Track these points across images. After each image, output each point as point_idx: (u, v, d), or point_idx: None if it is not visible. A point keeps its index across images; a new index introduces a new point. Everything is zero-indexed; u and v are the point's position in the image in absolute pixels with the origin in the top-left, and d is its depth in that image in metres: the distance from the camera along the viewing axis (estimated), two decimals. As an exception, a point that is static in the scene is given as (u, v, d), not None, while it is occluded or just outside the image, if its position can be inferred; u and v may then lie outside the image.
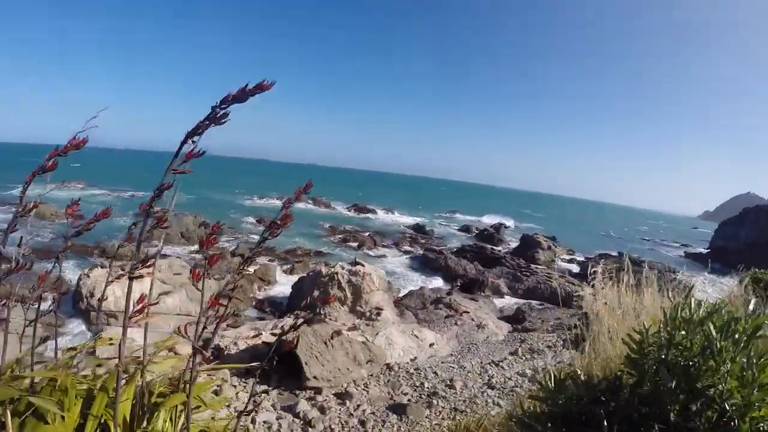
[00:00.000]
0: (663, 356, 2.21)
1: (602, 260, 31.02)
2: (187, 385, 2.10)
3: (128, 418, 2.38)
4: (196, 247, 34.11)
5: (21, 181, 2.36)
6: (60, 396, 2.54)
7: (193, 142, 1.73)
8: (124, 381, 2.71)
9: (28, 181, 1.82)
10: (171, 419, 2.51)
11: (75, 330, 18.65)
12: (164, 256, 26.56)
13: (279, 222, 1.86)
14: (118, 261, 25.98)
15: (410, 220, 63.15)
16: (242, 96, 1.67)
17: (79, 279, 20.82)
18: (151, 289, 2.41)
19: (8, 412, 2.29)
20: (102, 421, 2.41)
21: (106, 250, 29.86)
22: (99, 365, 3.54)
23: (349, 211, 67.61)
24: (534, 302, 25.89)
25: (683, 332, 2.21)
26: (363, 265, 22.39)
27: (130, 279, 1.94)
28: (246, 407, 2.65)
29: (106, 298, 18.26)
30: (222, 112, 1.66)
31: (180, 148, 1.67)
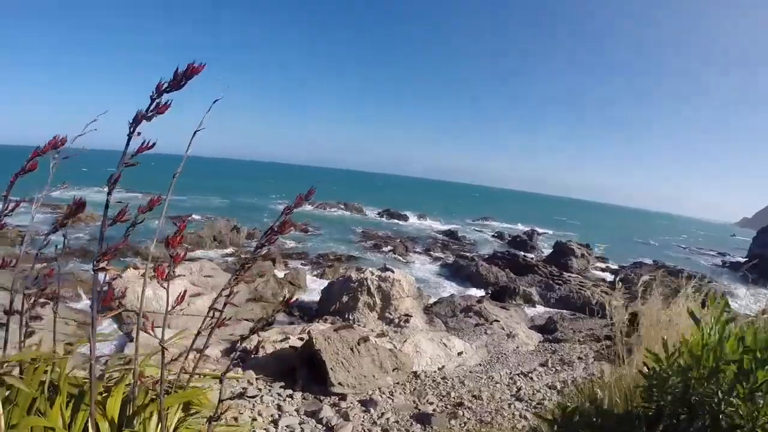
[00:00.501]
0: (683, 388, 2.00)
1: (637, 268, 30.25)
2: (179, 388, 2.00)
3: (116, 418, 2.27)
4: (228, 250, 34.46)
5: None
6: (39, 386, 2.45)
7: (138, 133, 1.62)
8: (114, 380, 2.63)
9: (11, 183, 1.74)
10: (164, 421, 2.39)
11: (106, 329, 18.91)
12: (196, 259, 26.88)
13: (276, 229, 1.73)
14: (149, 262, 26.36)
15: (442, 226, 62.78)
16: (176, 83, 1.56)
17: (112, 279, 21.13)
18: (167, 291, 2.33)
19: (-1, 400, 2.21)
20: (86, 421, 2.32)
21: (140, 251, 30.35)
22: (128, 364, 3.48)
23: (381, 216, 67.50)
24: (566, 312, 25.33)
25: (707, 361, 1.99)
26: (393, 271, 22.23)
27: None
28: (215, 413, 2.54)
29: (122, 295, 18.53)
30: (160, 101, 1.55)
31: (128, 141, 1.57)
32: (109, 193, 1.77)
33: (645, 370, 2.23)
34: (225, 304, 2.27)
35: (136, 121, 1.52)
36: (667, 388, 2.07)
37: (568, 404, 2.37)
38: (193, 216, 48.01)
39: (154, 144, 1.69)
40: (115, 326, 19.11)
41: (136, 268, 22.19)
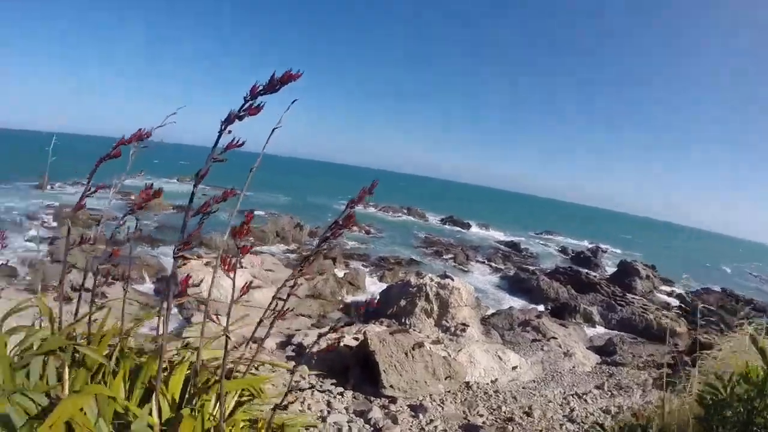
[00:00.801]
0: (746, 417, 1.89)
1: (704, 294, 28.82)
2: (239, 374, 2.05)
3: (176, 396, 2.36)
4: (290, 247, 35.09)
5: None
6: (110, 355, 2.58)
7: (229, 131, 1.68)
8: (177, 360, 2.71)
9: (95, 167, 1.83)
10: (222, 405, 2.48)
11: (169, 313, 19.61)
12: (258, 253, 27.53)
13: (341, 223, 1.75)
14: (214, 252, 27.10)
15: (505, 236, 61.87)
16: (271, 87, 1.60)
17: (176, 266, 21.90)
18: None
19: (66, 363, 2.32)
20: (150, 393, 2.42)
21: (204, 242, 31.36)
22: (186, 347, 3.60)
23: (444, 223, 67.20)
24: (626, 335, 24.44)
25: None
26: (452, 279, 22.09)
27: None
28: (281, 402, 2.58)
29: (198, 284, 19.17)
30: (253, 102, 1.60)
31: (218, 138, 1.63)
32: (195, 185, 1.85)
33: (704, 399, 2.13)
34: (288, 296, 2.31)
35: (228, 120, 1.57)
36: (727, 418, 1.97)
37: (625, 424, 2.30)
38: (258, 212, 49.24)
39: (243, 142, 1.76)
40: (176, 310, 19.78)
41: (200, 257, 22.93)
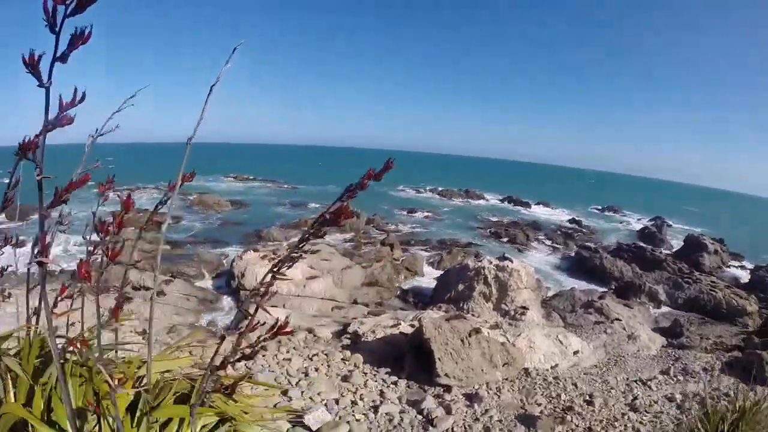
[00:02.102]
0: None
1: None
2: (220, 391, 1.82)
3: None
4: (347, 235, 35.25)
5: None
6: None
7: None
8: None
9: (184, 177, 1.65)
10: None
11: (226, 306, 20.09)
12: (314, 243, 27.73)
13: (329, 217, 1.49)
14: (271, 245, 27.53)
15: (565, 214, 60.37)
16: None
17: (233, 261, 22.47)
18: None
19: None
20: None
21: (261, 234, 31.91)
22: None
23: (503, 203, 66.25)
24: (694, 315, 23.31)
25: None
26: (511, 261, 21.67)
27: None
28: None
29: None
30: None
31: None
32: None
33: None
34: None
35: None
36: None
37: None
38: (313, 204, 49.87)
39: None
40: (232, 305, 20.24)
41: (255, 250, 23.33)
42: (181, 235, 31.75)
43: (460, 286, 21.57)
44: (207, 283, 23.10)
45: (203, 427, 1.71)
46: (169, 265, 23.59)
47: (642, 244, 38.83)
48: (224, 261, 25.73)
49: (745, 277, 33.70)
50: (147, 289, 18.64)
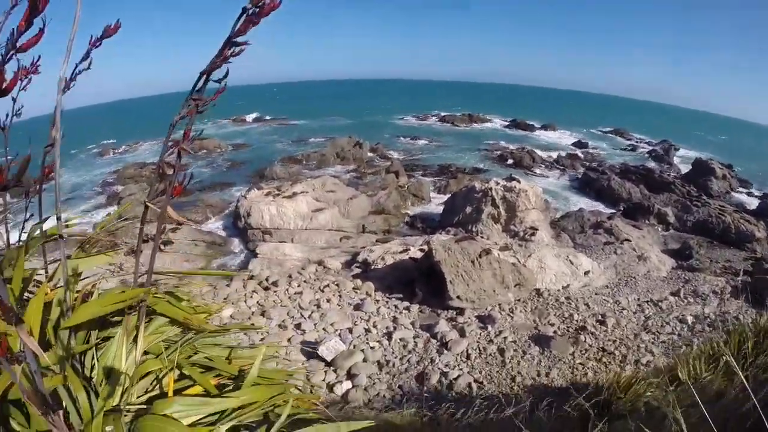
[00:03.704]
0: None
1: None
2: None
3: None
4: (351, 166, 34.90)
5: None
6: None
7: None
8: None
9: (172, 125, 1.35)
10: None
11: (236, 249, 20.00)
12: (318, 175, 27.47)
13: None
14: (275, 182, 27.30)
15: (571, 137, 59.43)
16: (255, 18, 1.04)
17: (238, 201, 22.24)
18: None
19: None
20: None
21: (264, 173, 31.65)
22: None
23: (509, 127, 65.16)
24: (702, 238, 23.07)
25: None
26: (519, 181, 21.34)
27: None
28: None
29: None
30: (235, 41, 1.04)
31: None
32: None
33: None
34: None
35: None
36: None
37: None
38: (317, 138, 49.36)
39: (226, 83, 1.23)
40: (241, 245, 20.14)
41: (260, 188, 23.04)
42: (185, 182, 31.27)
43: (468, 209, 21.36)
44: (214, 225, 22.96)
45: (155, 332, 1.45)
46: (176, 212, 23.29)
47: (650, 166, 38.25)
48: (230, 203, 25.54)
49: (753, 203, 33.06)
50: (151, 239, 18.40)
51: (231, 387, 1.41)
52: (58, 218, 1.36)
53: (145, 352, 1.40)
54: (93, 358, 1.29)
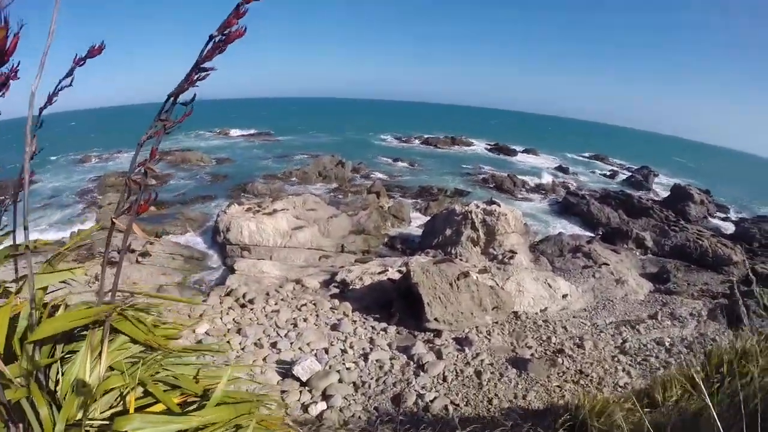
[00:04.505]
0: None
1: (762, 222, 27.15)
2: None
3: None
4: (333, 185, 34.96)
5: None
6: None
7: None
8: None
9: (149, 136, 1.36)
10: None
11: (214, 264, 19.85)
12: (300, 193, 27.43)
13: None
14: (256, 198, 27.19)
15: (553, 161, 60.14)
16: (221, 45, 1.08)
17: (217, 216, 22.12)
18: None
19: None
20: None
21: (246, 189, 31.59)
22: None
23: (490, 150, 65.73)
24: (680, 262, 23.39)
25: None
26: (499, 205, 21.49)
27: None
28: None
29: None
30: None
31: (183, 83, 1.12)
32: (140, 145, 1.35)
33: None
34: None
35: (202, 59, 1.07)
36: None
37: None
38: (300, 155, 49.48)
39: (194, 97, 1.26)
40: (219, 261, 19.98)
41: (240, 204, 22.97)
42: (165, 195, 31.13)
43: (448, 231, 21.45)
44: (193, 239, 22.73)
45: (120, 348, 1.44)
46: (154, 226, 23.20)
47: (629, 191, 38.75)
48: (210, 217, 25.38)
49: (730, 228, 33.68)
50: (132, 251, 18.31)
51: (195, 406, 1.40)
52: (25, 228, 1.36)
53: (111, 369, 1.39)
54: (58, 372, 1.28)
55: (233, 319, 11.67)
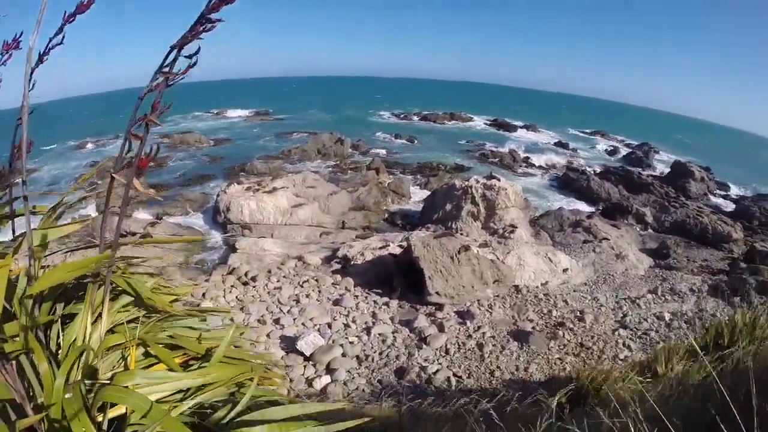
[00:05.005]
0: None
1: (762, 200, 27.00)
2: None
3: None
4: (332, 162, 34.86)
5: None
6: None
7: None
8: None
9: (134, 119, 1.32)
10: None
11: (215, 243, 19.82)
12: (299, 171, 27.32)
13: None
14: (255, 177, 27.11)
15: (553, 137, 59.82)
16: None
17: (218, 195, 22.04)
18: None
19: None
20: None
21: (245, 168, 31.49)
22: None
23: (490, 126, 65.35)
24: (680, 238, 23.35)
25: None
26: (499, 180, 21.42)
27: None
28: None
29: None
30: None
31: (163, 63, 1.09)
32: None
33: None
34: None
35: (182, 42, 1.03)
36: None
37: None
38: (299, 133, 49.25)
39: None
40: (221, 239, 19.95)
41: (239, 183, 22.88)
42: (164, 177, 30.98)
43: (448, 206, 21.40)
44: (193, 220, 22.66)
45: (121, 310, 1.42)
46: (155, 208, 23.11)
47: (629, 167, 38.57)
48: (209, 197, 25.29)
49: (730, 206, 33.45)
50: (133, 234, 18.28)
51: (197, 366, 1.38)
52: (24, 183, 1.33)
53: (112, 331, 1.37)
54: (58, 336, 1.26)
55: (236, 297, 11.70)
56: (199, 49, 1.08)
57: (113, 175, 1.15)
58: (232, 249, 17.71)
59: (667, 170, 39.73)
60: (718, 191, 38.25)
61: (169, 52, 1.10)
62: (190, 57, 1.10)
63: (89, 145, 45.40)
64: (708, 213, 25.25)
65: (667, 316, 11.33)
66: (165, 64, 1.10)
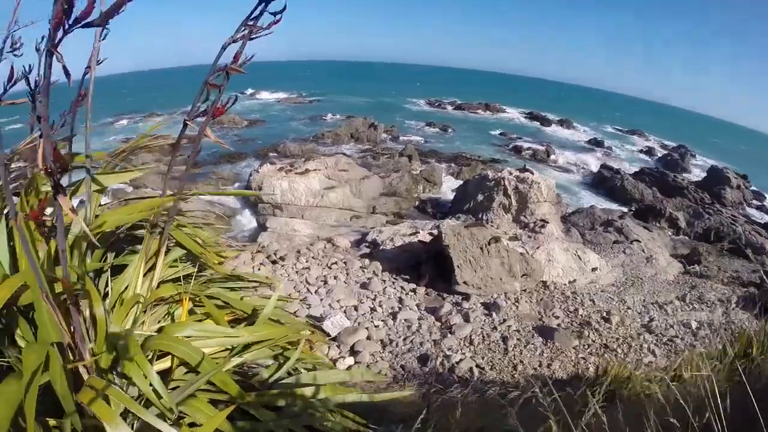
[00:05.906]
0: None
1: None
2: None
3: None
4: (364, 146, 34.92)
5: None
6: None
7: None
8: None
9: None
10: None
11: (246, 221, 20.07)
12: (332, 154, 27.46)
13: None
14: (288, 158, 27.33)
15: (588, 134, 58.93)
16: None
17: (250, 175, 22.26)
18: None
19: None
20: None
21: (277, 149, 31.74)
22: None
23: (524, 118, 64.85)
24: (712, 246, 22.73)
25: None
26: (532, 173, 21.22)
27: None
28: None
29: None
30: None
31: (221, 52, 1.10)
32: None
33: None
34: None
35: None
36: None
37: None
38: (333, 116, 49.42)
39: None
40: (251, 216, 20.18)
41: (272, 163, 23.08)
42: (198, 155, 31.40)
43: (479, 197, 21.28)
44: (224, 198, 22.90)
45: (172, 264, 1.42)
46: (188, 185, 23.42)
47: (664, 169, 37.86)
48: (240, 176, 25.64)
49: (765, 217, 32.55)
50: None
51: (244, 324, 1.38)
52: (86, 128, 1.34)
53: (161, 285, 1.37)
54: (107, 281, 1.26)
55: (265, 275, 11.79)
56: (285, 6, 1.06)
57: (186, 121, 1.15)
58: (263, 228, 17.89)
59: (703, 175, 38.83)
60: (754, 201, 37.23)
61: (257, 6, 1.09)
62: (274, 14, 1.09)
63: (124, 121, 46.30)
64: (743, 222, 24.68)
65: (694, 325, 11.08)
66: (251, 17, 1.09)
